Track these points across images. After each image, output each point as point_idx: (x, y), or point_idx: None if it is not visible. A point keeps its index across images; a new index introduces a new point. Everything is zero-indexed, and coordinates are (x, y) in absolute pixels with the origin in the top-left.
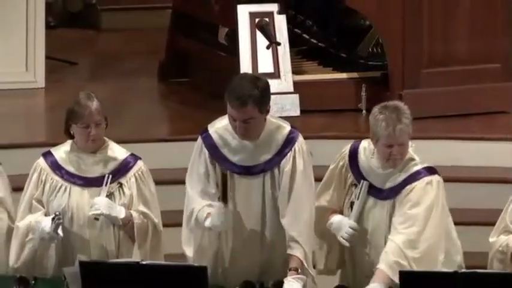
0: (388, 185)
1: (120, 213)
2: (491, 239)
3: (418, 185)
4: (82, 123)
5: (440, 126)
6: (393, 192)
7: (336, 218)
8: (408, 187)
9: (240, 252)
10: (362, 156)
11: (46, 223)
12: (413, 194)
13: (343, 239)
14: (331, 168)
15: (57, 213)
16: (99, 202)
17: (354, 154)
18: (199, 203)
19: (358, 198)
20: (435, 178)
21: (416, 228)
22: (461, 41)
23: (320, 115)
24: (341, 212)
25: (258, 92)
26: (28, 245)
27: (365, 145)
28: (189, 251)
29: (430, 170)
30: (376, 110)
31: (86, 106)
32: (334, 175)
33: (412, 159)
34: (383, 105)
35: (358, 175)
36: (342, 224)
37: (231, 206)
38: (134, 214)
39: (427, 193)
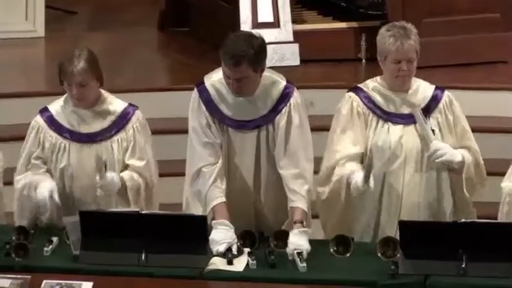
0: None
1: (114, 190)
2: (503, 184)
3: (447, 99)
4: (65, 81)
5: (440, 76)
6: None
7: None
8: (440, 105)
9: (234, 204)
10: (370, 92)
11: (43, 191)
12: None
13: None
14: (344, 114)
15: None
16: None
17: (361, 93)
18: (205, 160)
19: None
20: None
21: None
22: None
23: (320, 65)
24: (362, 161)
25: (252, 51)
26: (27, 201)
27: (365, 84)
28: (197, 211)
29: (441, 87)
30: (383, 28)
31: (70, 65)
32: (352, 117)
33: (420, 83)
34: (391, 24)
35: (378, 109)
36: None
37: (225, 160)
38: (126, 177)
39: (456, 105)
